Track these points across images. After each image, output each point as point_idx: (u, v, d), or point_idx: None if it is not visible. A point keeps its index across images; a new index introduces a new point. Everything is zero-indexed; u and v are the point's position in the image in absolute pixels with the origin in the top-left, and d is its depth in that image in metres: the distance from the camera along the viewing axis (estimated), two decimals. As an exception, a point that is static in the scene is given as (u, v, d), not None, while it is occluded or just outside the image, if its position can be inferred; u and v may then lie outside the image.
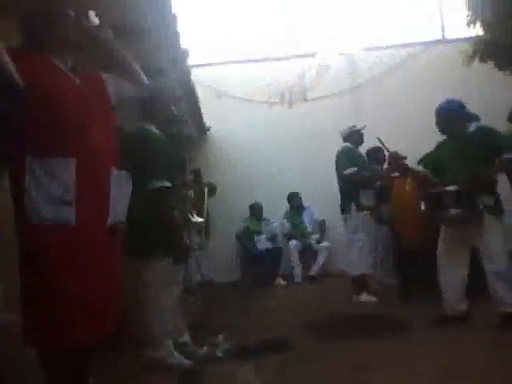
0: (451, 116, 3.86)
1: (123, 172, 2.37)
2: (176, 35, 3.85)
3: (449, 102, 3.94)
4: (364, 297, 4.93)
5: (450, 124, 3.86)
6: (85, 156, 2.05)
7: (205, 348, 3.43)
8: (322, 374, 2.98)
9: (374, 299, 4.89)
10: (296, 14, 7.63)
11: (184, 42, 4.24)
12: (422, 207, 3.97)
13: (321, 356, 3.36)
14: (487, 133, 3.76)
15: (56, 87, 2.04)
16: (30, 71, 1.90)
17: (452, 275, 3.80)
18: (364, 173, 5.05)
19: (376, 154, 5.58)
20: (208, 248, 6.63)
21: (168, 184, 2.97)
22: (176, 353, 3.04)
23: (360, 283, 5.03)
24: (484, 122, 6.05)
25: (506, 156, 3.58)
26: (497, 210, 3.66)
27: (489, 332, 3.46)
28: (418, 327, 3.77)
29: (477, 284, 3.84)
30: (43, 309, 1.92)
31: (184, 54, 4.40)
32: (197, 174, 6.36)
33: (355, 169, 5.01)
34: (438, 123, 3.94)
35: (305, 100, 7.23)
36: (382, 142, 4.28)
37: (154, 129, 3.10)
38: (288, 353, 3.44)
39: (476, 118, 3.91)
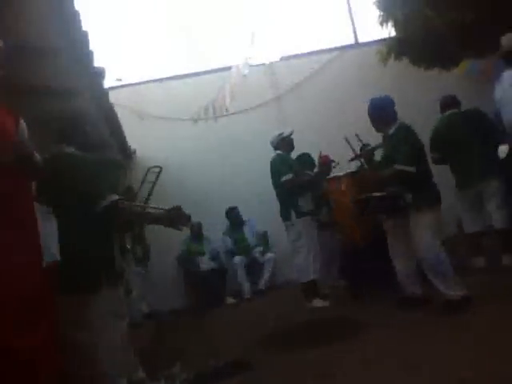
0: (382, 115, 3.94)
1: (44, 206, 2.16)
2: (89, 53, 3.63)
3: (382, 99, 4.02)
4: (316, 302, 4.87)
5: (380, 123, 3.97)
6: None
7: (162, 382, 3.19)
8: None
9: (326, 303, 4.85)
10: (213, 26, 7.61)
11: (98, 62, 4.04)
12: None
13: (283, 369, 3.23)
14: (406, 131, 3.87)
15: None
16: None
17: (401, 265, 3.90)
18: (300, 178, 5.06)
19: (305, 158, 5.62)
20: (150, 276, 6.32)
21: (117, 196, 2.74)
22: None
23: (310, 289, 4.97)
24: (407, 117, 6.25)
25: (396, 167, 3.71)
26: (419, 204, 3.70)
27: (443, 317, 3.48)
28: (375, 324, 3.74)
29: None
30: None
31: (99, 74, 4.17)
32: (130, 191, 6.01)
33: (291, 175, 5.01)
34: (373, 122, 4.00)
35: (228, 113, 7.14)
36: (348, 142, 4.33)
37: (75, 151, 2.84)
38: (249, 372, 3.28)
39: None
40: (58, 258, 2.13)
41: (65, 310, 2.42)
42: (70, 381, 2.51)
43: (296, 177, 5.03)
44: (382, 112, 3.93)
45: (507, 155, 4.41)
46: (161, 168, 5.83)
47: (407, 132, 3.86)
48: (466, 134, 4.78)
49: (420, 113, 6.68)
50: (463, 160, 4.80)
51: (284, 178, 5.01)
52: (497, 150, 4.55)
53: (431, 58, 5.46)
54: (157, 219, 2.94)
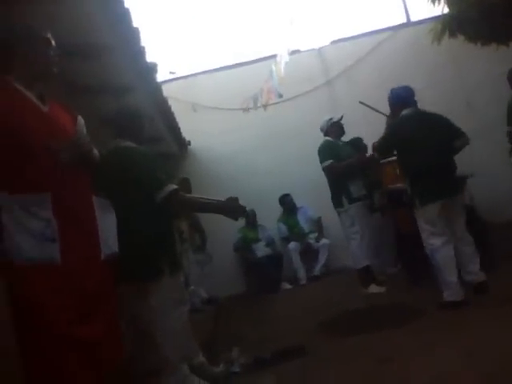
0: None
1: (103, 199, 2.26)
2: (141, 49, 3.73)
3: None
4: (372, 288, 4.83)
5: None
6: (61, 188, 1.92)
7: (221, 366, 3.29)
8: (346, 372, 2.88)
9: (382, 289, 4.79)
10: (260, 14, 7.59)
11: (150, 57, 4.15)
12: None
13: (341, 354, 3.26)
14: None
15: (20, 116, 1.90)
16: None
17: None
18: (339, 164, 4.99)
19: (358, 143, 5.54)
20: (209, 263, 6.48)
21: (175, 186, 2.84)
22: (193, 375, 2.88)
23: (366, 276, 4.93)
24: (463, 94, 6.02)
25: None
26: None
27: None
28: (432, 311, 3.69)
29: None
30: (41, 359, 1.78)
31: (152, 69, 4.28)
32: (186, 183, 6.16)
33: (330, 161, 4.97)
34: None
35: (279, 100, 7.12)
36: (366, 105, 4.30)
37: (132, 144, 2.95)
38: (307, 357, 3.33)
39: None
40: (116, 249, 2.22)
41: (128, 300, 2.56)
42: (134, 368, 2.66)
43: (337, 162, 4.97)
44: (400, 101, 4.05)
45: None
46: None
47: None
48: None
49: (478, 90, 6.43)
50: None
51: (323, 165, 5.00)
52: None
53: (488, 34, 5.19)
54: (214, 209, 3.01)
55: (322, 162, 5.04)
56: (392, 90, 4.16)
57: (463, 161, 4.29)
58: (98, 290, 2.01)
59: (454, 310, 3.56)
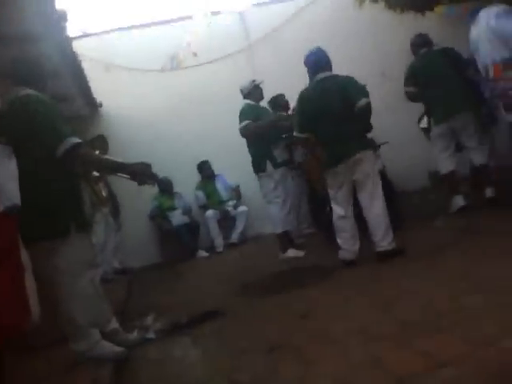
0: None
1: (2, 146, 2.00)
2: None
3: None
4: (291, 252, 4.86)
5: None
6: None
7: (135, 332, 3.15)
8: (265, 328, 2.87)
9: (301, 253, 4.83)
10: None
11: (60, 5, 3.76)
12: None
13: (258, 313, 3.27)
14: None
15: None
16: None
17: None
18: (257, 124, 4.84)
19: (277, 101, 5.47)
20: (119, 232, 6.21)
21: (79, 139, 2.59)
22: (104, 341, 2.71)
23: (285, 240, 4.95)
24: (380, 64, 6.18)
25: None
26: None
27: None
28: (348, 270, 3.80)
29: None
30: None
31: (61, 17, 3.90)
32: (102, 140, 5.80)
33: (247, 121, 4.82)
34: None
35: (197, 63, 6.91)
36: None
37: (34, 92, 2.66)
38: (225, 319, 3.29)
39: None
40: (17, 202, 1.99)
41: (34, 258, 2.33)
42: (42, 332, 2.45)
43: (252, 122, 4.81)
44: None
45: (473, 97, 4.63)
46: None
47: None
48: (442, 69, 4.73)
49: (395, 56, 6.59)
50: (440, 94, 4.73)
51: (240, 126, 4.85)
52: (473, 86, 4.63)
53: (406, 2, 5.34)
54: (122, 170, 2.78)
55: (240, 123, 4.88)
56: (306, 56, 4.12)
57: (377, 129, 4.40)
58: None
59: (368, 269, 3.66)
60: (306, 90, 4.08)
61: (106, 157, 2.95)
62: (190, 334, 3.08)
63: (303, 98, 4.09)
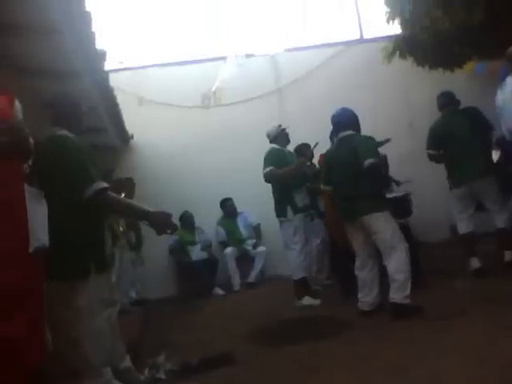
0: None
1: (36, 189, 2.09)
2: (91, 34, 3.53)
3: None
4: (306, 300, 4.82)
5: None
6: None
7: (146, 371, 3.16)
8: (276, 381, 2.83)
9: (317, 302, 4.79)
10: (215, 15, 7.49)
11: (100, 44, 3.95)
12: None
13: (268, 363, 3.23)
14: None
15: None
16: None
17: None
18: (279, 171, 4.90)
19: (302, 150, 5.55)
20: (141, 265, 6.28)
21: (106, 184, 2.68)
22: (115, 381, 2.73)
23: (301, 287, 4.92)
24: (407, 115, 6.24)
25: None
26: None
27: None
28: (362, 325, 3.73)
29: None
30: None
31: (100, 56, 4.08)
32: (129, 183, 5.93)
33: (270, 167, 4.90)
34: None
35: (228, 103, 7.07)
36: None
37: (68, 134, 2.78)
38: (235, 365, 3.26)
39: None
40: (46, 243, 2.06)
41: (54, 297, 2.39)
42: (55, 369, 2.48)
43: (275, 169, 4.87)
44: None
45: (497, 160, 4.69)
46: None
47: None
48: (466, 131, 4.70)
49: (423, 107, 6.62)
50: (461, 157, 4.72)
51: (263, 171, 4.92)
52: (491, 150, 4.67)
53: (435, 59, 5.41)
54: (143, 217, 2.86)
55: (264, 168, 4.95)
56: (332, 115, 4.30)
57: (401, 177, 4.42)
58: (22, 285, 1.85)
59: (384, 326, 3.61)
60: (330, 147, 4.39)
61: (130, 202, 3.02)
62: (198, 380, 3.07)
63: (326, 154, 4.44)
